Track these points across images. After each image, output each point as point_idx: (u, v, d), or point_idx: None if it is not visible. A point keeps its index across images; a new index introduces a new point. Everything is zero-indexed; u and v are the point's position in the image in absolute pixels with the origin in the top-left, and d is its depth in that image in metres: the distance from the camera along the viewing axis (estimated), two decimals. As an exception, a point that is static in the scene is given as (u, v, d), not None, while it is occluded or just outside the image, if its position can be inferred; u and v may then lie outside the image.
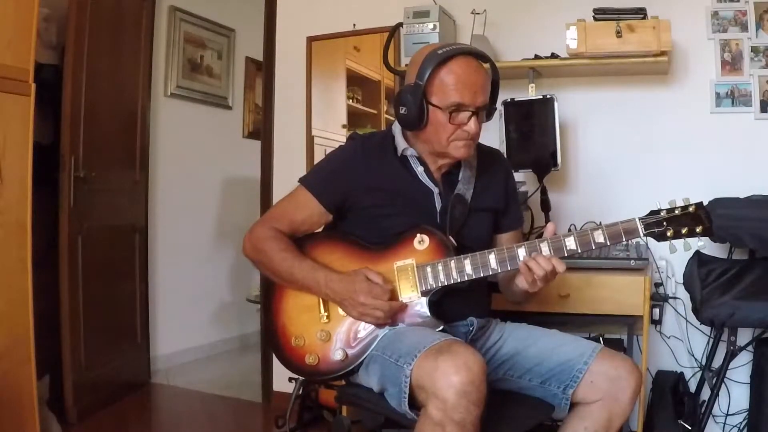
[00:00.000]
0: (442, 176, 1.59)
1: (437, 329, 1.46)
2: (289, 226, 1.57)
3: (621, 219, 1.41)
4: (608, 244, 1.41)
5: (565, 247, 1.42)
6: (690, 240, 1.38)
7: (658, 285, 2.31)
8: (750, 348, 2.16)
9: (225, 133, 4.11)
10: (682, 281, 2.23)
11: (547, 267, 1.40)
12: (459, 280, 1.46)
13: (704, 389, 2.23)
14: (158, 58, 3.55)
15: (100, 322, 2.93)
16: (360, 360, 1.49)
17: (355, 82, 2.88)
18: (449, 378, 1.22)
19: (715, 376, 2.08)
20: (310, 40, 2.86)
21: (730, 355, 2.03)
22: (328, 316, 1.52)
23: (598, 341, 2.16)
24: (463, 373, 1.22)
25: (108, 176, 3.00)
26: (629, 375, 1.44)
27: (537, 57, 2.33)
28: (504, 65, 2.37)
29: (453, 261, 1.46)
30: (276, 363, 2.92)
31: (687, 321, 2.31)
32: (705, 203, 1.99)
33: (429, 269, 1.48)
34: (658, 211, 1.39)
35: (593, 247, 1.42)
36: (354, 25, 2.77)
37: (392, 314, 1.47)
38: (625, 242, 1.47)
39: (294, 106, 2.91)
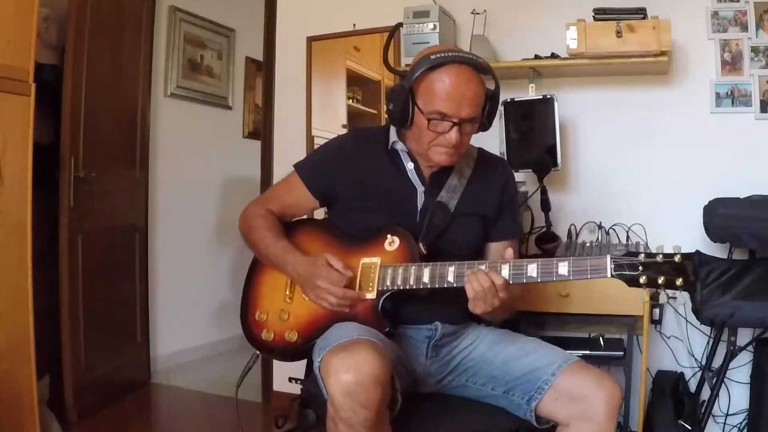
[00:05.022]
0: (432, 174, 1.57)
1: (383, 330, 1.44)
2: (279, 208, 1.65)
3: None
4: (571, 278, 1.30)
5: (526, 273, 1.35)
6: (669, 291, 1.26)
7: (658, 285, 2.30)
8: (750, 348, 2.16)
9: (225, 133, 4.11)
10: (682, 281, 2.23)
11: (484, 284, 1.32)
12: (414, 287, 1.43)
13: (704, 389, 2.23)
14: (158, 58, 3.55)
15: (100, 322, 2.93)
16: (309, 345, 1.49)
17: (355, 82, 2.88)
18: (338, 376, 1.22)
19: (715, 376, 2.08)
20: (310, 40, 2.86)
21: (730, 355, 2.03)
22: (291, 297, 1.57)
23: (598, 341, 2.18)
24: (351, 374, 1.21)
25: (108, 176, 3.00)
26: (596, 391, 1.33)
27: (537, 57, 2.33)
28: (504, 65, 2.37)
29: (414, 267, 1.44)
30: (276, 363, 2.94)
31: (687, 321, 2.31)
32: (705, 204, 1.96)
33: (390, 271, 1.47)
34: (636, 253, 1.26)
35: (554, 279, 1.32)
36: (354, 25, 2.77)
37: (346, 302, 1.46)
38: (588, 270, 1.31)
39: (294, 106, 2.91)
